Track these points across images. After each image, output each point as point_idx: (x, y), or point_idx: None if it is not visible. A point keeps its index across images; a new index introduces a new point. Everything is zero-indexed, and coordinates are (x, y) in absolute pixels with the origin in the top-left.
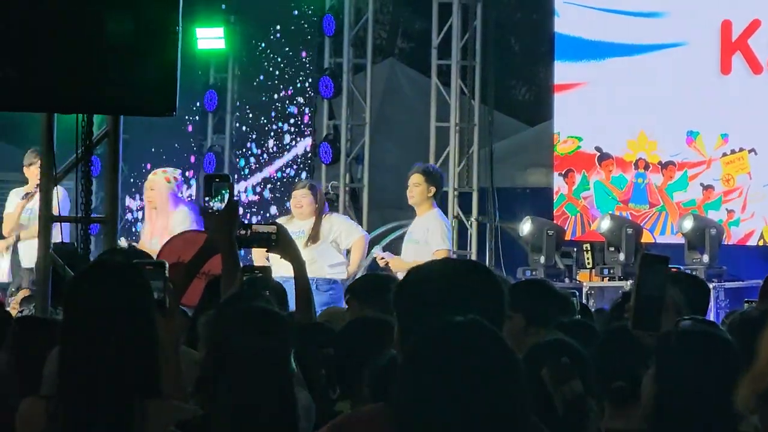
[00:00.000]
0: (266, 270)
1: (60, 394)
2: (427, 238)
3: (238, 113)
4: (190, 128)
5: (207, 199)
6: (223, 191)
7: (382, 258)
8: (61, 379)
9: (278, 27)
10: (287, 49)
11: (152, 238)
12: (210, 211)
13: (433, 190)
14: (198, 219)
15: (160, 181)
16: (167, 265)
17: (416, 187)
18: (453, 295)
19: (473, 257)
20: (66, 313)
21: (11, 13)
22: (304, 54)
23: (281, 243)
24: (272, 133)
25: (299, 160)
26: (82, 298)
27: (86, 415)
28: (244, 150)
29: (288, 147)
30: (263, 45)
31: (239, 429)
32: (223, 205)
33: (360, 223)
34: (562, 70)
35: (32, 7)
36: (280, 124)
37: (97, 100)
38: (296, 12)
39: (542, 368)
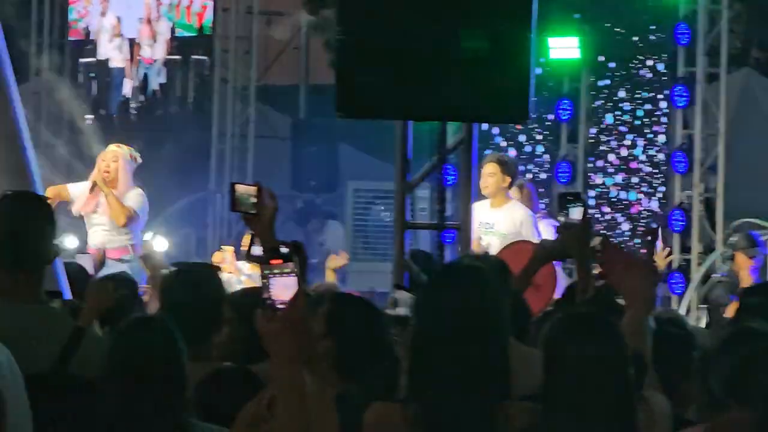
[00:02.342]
0: None
1: (419, 398)
2: (520, 230)
3: (591, 122)
4: (539, 136)
5: (561, 214)
6: (574, 209)
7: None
8: (419, 383)
9: (630, 36)
10: (639, 57)
11: (91, 213)
12: (565, 225)
13: (508, 180)
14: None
15: (125, 155)
16: None
17: (491, 177)
18: None
19: None
20: (418, 316)
21: (372, 25)
22: (656, 63)
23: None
24: (625, 143)
25: (653, 170)
26: (435, 301)
27: (450, 418)
28: (597, 159)
29: (641, 156)
30: (616, 54)
31: None
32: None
33: (714, 233)
34: None
35: (391, 19)
36: (632, 134)
37: (452, 108)
38: (649, 21)
39: None
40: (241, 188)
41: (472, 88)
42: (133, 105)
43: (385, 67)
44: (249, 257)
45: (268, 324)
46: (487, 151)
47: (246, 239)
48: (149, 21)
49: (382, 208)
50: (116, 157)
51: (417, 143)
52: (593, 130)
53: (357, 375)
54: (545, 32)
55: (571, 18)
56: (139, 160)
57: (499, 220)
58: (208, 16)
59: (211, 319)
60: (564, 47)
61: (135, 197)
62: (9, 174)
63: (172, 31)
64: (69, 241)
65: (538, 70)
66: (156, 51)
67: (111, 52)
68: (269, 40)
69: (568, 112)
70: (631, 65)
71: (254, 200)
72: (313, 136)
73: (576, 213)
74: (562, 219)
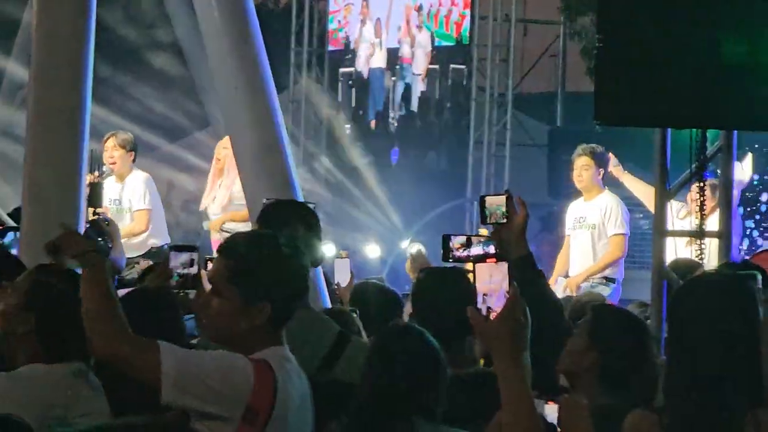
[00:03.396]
0: None
1: (674, 406)
2: (604, 220)
3: None
4: None
5: None
6: None
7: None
8: (675, 391)
9: None
10: None
11: (215, 205)
12: None
13: (602, 172)
14: None
15: None
16: None
17: (586, 171)
18: None
19: None
20: (673, 323)
21: (632, 32)
22: None
23: None
24: None
25: None
26: (690, 309)
27: (704, 427)
28: None
29: None
30: None
31: None
32: None
33: None
34: None
35: (650, 26)
36: None
37: (711, 115)
38: None
39: None
40: (490, 200)
41: (730, 95)
42: (392, 114)
43: (644, 75)
44: (450, 258)
45: (484, 323)
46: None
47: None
48: (408, 23)
49: (640, 215)
50: (226, 145)
51: (678, 151)
52: None
53: (620, 386)
54: None
55: None
56: None
57: (590, 213)
58: (466, 26)
59: (465, 322)
60: None
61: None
62: (272, 180)
63: (432, 40)
64: (327, 249)
65: None
66: (417, 59)
67: (372, 51)
68: (526, 47)
69: None
70: None
71: (504, 209)
72: (570, 144)
73: None
74: None
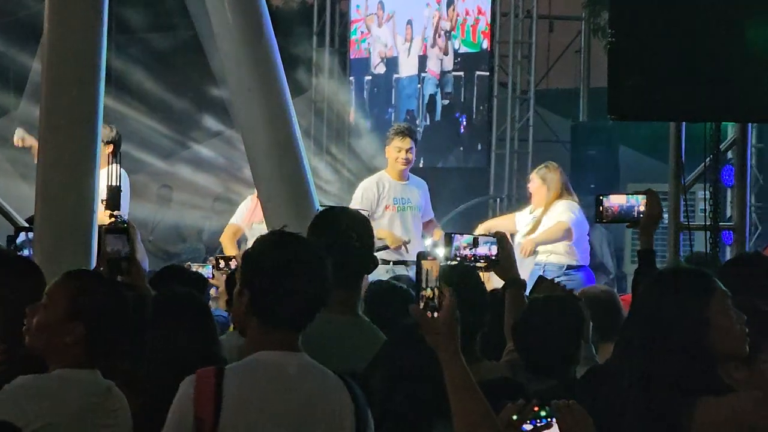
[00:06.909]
0: None
1: None
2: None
3: None
4: None
5: None
6: None
7: None
8: None
9: None
10: None
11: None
12: None
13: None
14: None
15: None
16: None
17: (410, 153)
18: None
19: None
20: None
21: (645, 27)
22: None
23: None
24: None
25: None
26: None
27: None
28: None
29: None
30: None
31: None
32: None
33: None
34: None
35: (664, 21)
36: None
37: (726, 108)
38: None
39: None
40: (612, 198)
41: (746, 87)
42: (417, 123)
43: (657, 69)
44: (456, 257)
45: (431, 320)
46: None
47: None
48: (436, 34)
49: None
50: None
51: (698, 143)
52: None
53: None
54: None
55: None
56: None
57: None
58: (486, 27)
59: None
60: None
61: None
62: (286, 180)
63: (456, 48)
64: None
65: None
66: (443, 67)
67: (388, 53)
68: (549, 43)
69: None
70: None
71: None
72: (593, 139)
73: None
74: None
